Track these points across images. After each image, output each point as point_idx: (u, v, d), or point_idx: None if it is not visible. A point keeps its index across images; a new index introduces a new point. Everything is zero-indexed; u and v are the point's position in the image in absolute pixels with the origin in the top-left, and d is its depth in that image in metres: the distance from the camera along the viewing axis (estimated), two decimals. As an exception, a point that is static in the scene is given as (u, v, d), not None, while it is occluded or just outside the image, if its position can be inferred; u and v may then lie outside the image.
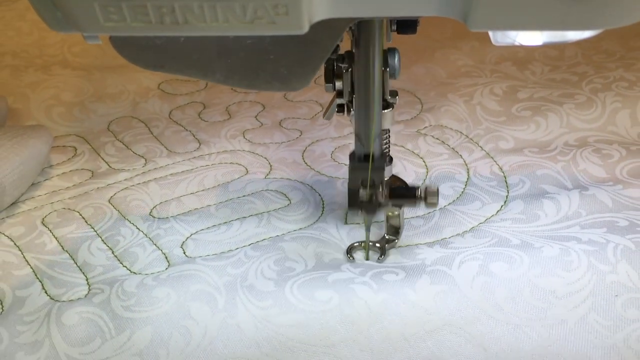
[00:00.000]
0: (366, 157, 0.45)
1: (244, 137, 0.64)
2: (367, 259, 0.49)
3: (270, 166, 0.60)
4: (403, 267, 0.47)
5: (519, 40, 0.37)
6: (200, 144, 0.63)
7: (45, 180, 0.59)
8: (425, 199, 0.46)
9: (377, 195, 0.45)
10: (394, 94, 0.45)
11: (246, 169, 0.59)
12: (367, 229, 0.49)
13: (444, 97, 0.68)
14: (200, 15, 0.30)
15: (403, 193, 0.47)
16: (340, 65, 0.43)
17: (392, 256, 0.49)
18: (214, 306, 0.45)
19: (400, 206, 0.48)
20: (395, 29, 0.42)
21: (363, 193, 0.45)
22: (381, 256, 0.49)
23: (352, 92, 0.44)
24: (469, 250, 0.48)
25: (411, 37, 0.43)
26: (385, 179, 0.47)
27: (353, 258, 0.49)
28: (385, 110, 0.44)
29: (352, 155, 0.46)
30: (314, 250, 0.49)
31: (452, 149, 0.61)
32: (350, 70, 0.43)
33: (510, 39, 0.37)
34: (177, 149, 0.63)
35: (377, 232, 0.51)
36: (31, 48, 0.77)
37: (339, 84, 0.43)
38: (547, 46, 0.75)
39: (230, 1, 0.30)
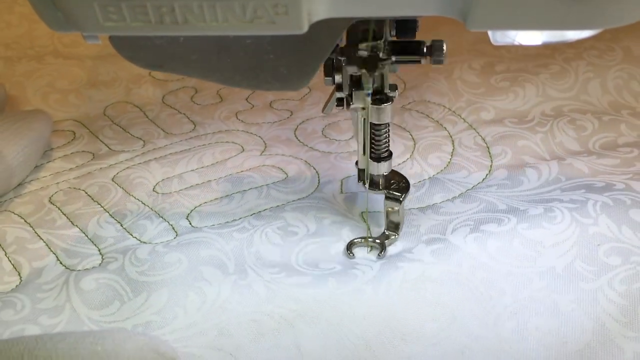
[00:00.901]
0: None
1: (237, 117, 0.67)
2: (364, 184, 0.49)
3: (265, 144, 0.62)
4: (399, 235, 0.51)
5: (519, 39, 0.37)
6: (195, 126, 0.66)
7: (48, 162, 0.61)
8: (431, 54, 0.42)
9: (377, 49, 0.41)
10: (394, 87, 0.45)
11: (242, 147, 0.62)
12: (366, 89, 0.44)
13: (425, 76, 0.71)
14: (200, 14, 0.31)
15: (407, 47, 0.42)
16: (340, 58, 0.42)
17: (387, 221, 0.52)
18: (225, 270, 0.47)
19: (398, 199, 0.48)
20: (395, 33, 0.41)
21: (363, 45, 0.41)
22: (381, 252, 0.49)
23: (351, 85, 0.43)
24: (460, 216, 0.52)
25: None
26: (385, 174, 0.48)
27: (353, 254, 0.49)
28: (385, 104, 0.44)
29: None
30: (314, 216, 0.52)
31: (437, 121, 0.64)
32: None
33: (509, 39, 0.38)
34: (174, 130, 0.65)
35: (377, 229, 0.52)
36: (22, 39, 0.79)
37: (338, 78, 0.43)
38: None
39: (229, 1, 0.30)
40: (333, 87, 0.45)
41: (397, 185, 0.49)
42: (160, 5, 0.30)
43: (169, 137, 0.64)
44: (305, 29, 0.31)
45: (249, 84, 0.40)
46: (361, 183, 0.50)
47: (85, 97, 0.70)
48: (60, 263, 0.49)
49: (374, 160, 0.48)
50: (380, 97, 0.44)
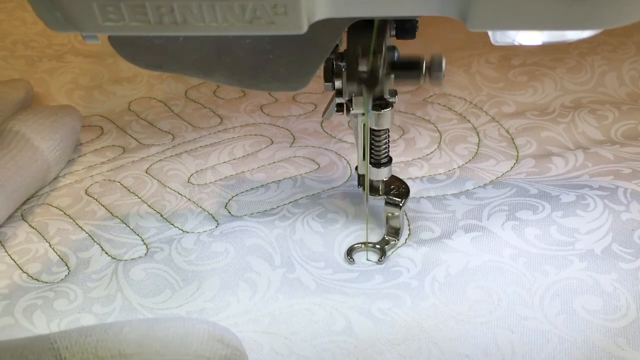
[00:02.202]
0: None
1: (262, 111, 0.67)
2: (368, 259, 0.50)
3: (293, 136, 0.63)
4: (436, 221, 0.52)
5: (519, 39, 0.38)
6: (222, 119, 0.66)
7: (79, 156, 0.61)
8: (430, 72, 0.41)
9: (377, 67, 0.39)
10: (393, 93, 0.45)
11: (271, 140, 0.63)
12: (366, 106, 0.43)
13: (443, 69, 0.72)
14: (199, 15, 0.30)
15: (406, 66, 0.41)
16: (340, 64, 0.42)
17: (424, 206, 0.53)
18: (271, 262, 0.48)
19: (398, 205, 0.48)
20: (395, 34, 0.41)
21: (363, 64, 0.38)
22: (381, 257, 0.49)
23: (351, 91, 0.43)
24: (493, 201, 0.53)
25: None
26: (385, 179, 0.48)
27: (353, 260, 0.49)
28: (385, 110, 0.44)
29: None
30: (351, 201, 0.53)
31: (460, 114, 0.65)
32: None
33: (509, 39, 0.38)
34: (201, 124, 0.66)
35: (378, 231, 0.52)
36: (39, 37, 0.79)
37: (338, 83, 0.42)
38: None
39: (229, 1, 0.30)
40: (333, 92, 0.45)
41: (397, 191, 0.49)
42: (159, 5, 0.30)
43: (198, 131, 0.64)
44: (304, 29, 0.31)
45: (249, 84, 0.40)
46: (361, 188, 0.51)
47: (110, 92, 0.71)
48: (106, 253, 0.50)
49: (373, 166, 0.48)
50: (380, 102, 0.44)
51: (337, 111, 0.46)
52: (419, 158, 0.60)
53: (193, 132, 0.64)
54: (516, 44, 0.37)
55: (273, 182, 0.57)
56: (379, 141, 0.47)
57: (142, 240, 0.51)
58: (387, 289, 0.47)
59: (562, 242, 0.49)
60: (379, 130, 0.46)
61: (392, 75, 0.41)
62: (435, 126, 0.64)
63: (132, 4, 0.30)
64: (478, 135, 0.62)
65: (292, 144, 0.62)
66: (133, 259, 0.49)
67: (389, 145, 0.47)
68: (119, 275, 0.47)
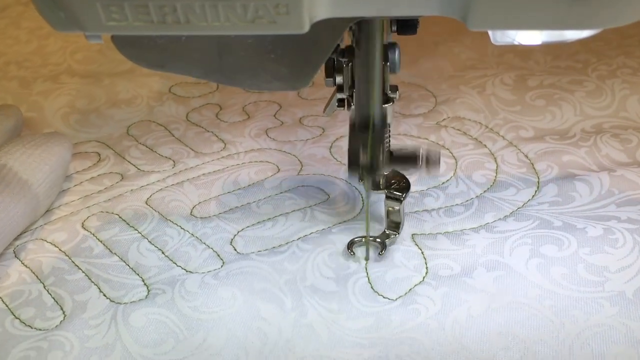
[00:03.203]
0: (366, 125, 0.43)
1: (267, 135, 0.64)
2: (367, 259, 0.49)
3: (301, 163, 0.60)
4: (455, 258, 0.49)
5: (518, 39, 0.38)
6: (225, 144, 0.63)
7: (74, 185, 0.58)
8: (428, 164, 0.45)
9: (377, 161, 0.44)
10: (394, 89, 0.45)
11: (277, 167, 0.60)
12: (367, 196, 0.48)
13: (456, 89, 0.69)
14: (202, 14, 0.31)
15: (404, 158, 0.46)
16: (341, 59, 0.42)
17: (442, 243, 0.50)
18: (282, 306, 0.45)
19: (399, 199, 0.49)
20: (396, 29, 0.42)
21: (363, 157, 0.43)
22: (382, 251, 0.49)
23: (352, 86, 0.44)
24: (515, 234, 0.50)
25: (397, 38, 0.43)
26: (387, 174, 0.48)
27: (353, 253, 0.49)
28: (386, 105, 0.44)
29: (353, 126, 0.45)
30: (361, 245, 0.50)
31: (475, 139, 0.62)
32: (350, 64, 0.43)
33: (509, 38, 0.38)
34: (203, 149, 0.62)
35: (378, 227, 0.51)
36: (33, 57, 0.76)
37: (339, 79, 0.43)
38: (545, 38, 0.78)
39: (231, 1, 0.30)
40: (334, 88, 0.45)
41: (397, 185, 0.49)
42: (162, 5, 0.30)
43: (200, 157, 0.61)
44: (306, 28, 0.31)
45: (250, 83, 0.40)
46: (362, 182, 0.50)
47: (107, 116, 0.67)
48: (105, 295, 0.47)
49: None
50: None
51: (338, 106, 0.46)
52: (435, 187, 0.57)
53: (195, 158, 0.61)
54: (516, 43, 0.37)
55: (281, 214, 0.54)
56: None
57: (143, 281, 0.48)
58: (405, 332, 0.44)
59: (590, 282, 0.46)
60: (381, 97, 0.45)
61: (391, 167, 0.46)
62: (451, 152, 0.61)
63: (135, 3, 0.30)
64: (496, 160, 0.59)
65: (299, 171, 0.59)
66: (133, 301, 0.46)
67: (390, 140, 0.47)
68: (118, 321, 0.44)
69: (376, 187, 0.49)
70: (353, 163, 0.45)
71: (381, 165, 0.45)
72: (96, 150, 0.63)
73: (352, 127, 0.45)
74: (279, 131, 0.65)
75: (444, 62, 0.74)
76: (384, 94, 0.44)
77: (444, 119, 0.65)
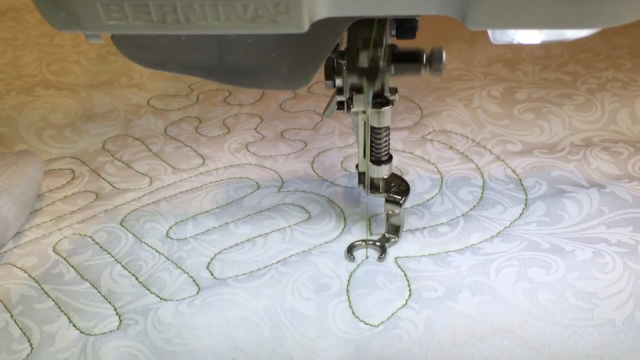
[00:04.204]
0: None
1: (247, 150, 0.62)
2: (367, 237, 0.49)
3: (282, 179, 0.58)
4: (439, 279, 0.47)
5: (518, 38, 0.37)
6: (204, 160, 0.61)
7: (47, 205, 0.56)
8: (430, 64, 0.41)
9: (378, 58, 0.40)
10: (394, 91, 0.44)
11: (257, 184, 0.58)
12: (367, 98, 0.43)
13: (442, 102, 0.67)
14: (202, 13, 0.31)
15: (406, 57, 0.41)
16: (340, 62, 0.42)
17: (425, 265, 0.48)
18: (259, 335, 0.43)
19: (398, 202, 0.48)
20: (395, 33, 0.42)
21: (363, 55, 0.39)
22: (382, 255, 0.49)
23: (351, 89, 0.43)
24: (501, 256, 0.48)
25: (396, 42, 0.42)
26: (385, 177, 0.48)
27: (353, 257, 0.49)
28: (385, 108, 0.44)
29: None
30: (345, 267, 0.48)
31: (462, 153, 0.60)
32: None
33: (509, 38, 0.37)
34: (181, 165, 0.61)
35: (378, 230, 0.51)
36: (7, 69, 0.74)
37: (338, 81, 0.43)
38: (533, 46, 0.76)
39: (231, 0, 0.30)
40: (334, 90, 0.44)
41: (397, 188, 0.49)
42: (162, 4, 0.30)
43: (177, 173, 0.59)
44: (306, 28, 0.31)
45: (250, 82, 0.40)
46: (361, 186, 0.50)
47: (82, 131, 0.65)
48: (74, 326, 0.45)
49: (374, 164, 0.48)
50: (380, 100, 0.44)
51: (337, 109, 0.46)
52: (419, 205, 0.55)
53: (172, 175, 0.59)
54: (515, 42, 0.37)
55: (260, 235, 0.52)
56: (380, 139, 0.46)
57: (115, 310, 0.46)
58: (387, 359, 0.42)
59: (579, 308, 0.44)
60: (380, 128, 0.46)
61: (393, 67, 0.41)
62: (436, 167, 0.59)
63: (135, 3, 0.30)
64: (482, 176, 0.57)
65: (280, 188, 0.57)
66: (104, 333, 0.44)
67: (389, 143, 0.47)
68: (87, 354, 0.42)
69: (376, 190, 0.49)
70: (352, 68, 0.41)
71: (384, 67, 0.41)
72: (70, 167, 0.61)
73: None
74: (260, 145, 0.63)
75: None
76: (383, 96, 0.44)
77: (430, 132, 0.63)
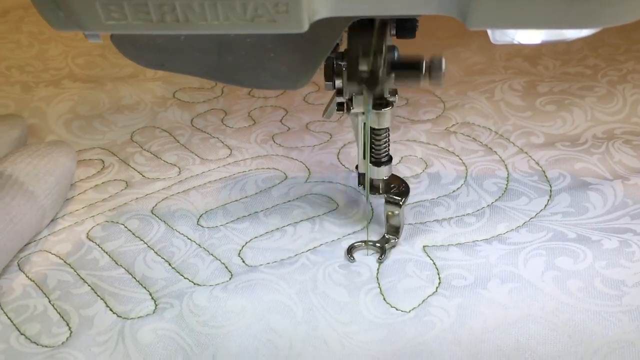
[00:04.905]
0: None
1: (274, 141, 0.63)
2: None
3: (309, 170, 0.59)
4: (468, 268, 0.48)
5: (518, 38, 0.38)
6: (231, 150, 0.62)
7: (78, 194, 0.57)
8: (430, 73, 0.41)
9: (378, 66, 0.40)
10: (394, 92, 0.44)
11: (285, 174, 0.59)
12: (367, 108, 0.43)
13: (464, 95, 0.68)
14: (201, 13, 0.31)
15: (406, 65, 0.42)
16: (340, 63, 0.42)
17: (454, 254, 0.49)
18: (293, 317, 0.44)
19: (398, 203, 0.48)
20: (395, 33, 0.41)
21: (363, 65, 0.40)
22: (381, 256, 0.49)
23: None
24: (529, 246, 0.49)
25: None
26: (385, 178, 0.48)
27: (353, 258, 0.49)
28: (385, 109, 0.44)
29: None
30: (374, 256, 0.49)
31: (486, 145, 0.61)
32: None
33: (509, 38, 0.38)
34: (209, 156, 0.61)
35: (378, 230, 0.51)
36: (35, 61, 0.75)
37: (338, 82, 0.43)
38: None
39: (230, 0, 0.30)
40: (333, 91, 0.44)
41: (396, 190, 0.49)
42: (161, 3, 0.30)
43: (205, 164, 0.60)
44: (305, 27, 0.31)
45: (250, 82, 0.40)
46: (361, 187, 0.51)
47: (111, 122, 0.66)
48: (111, 310, 0.45)
49: (374, 165, 0.48)
50: (380, 101, 0.44)
51: (337, 110, 0.46)
52: (445, 195, 0.56)
53: (201, 165, 0.60)
54: (515, 42, 0.37)
55: (289, 224, 0.53)
56: (379, 140, 0.46)
57: (150, 295, 0.47)
58: (421, 345, 0.43)
59: (608, 295, 0.45)
60: (380, 129, 0.46)
61: (393, 75, 0.41)
62: (460, 158, 0.60)
63: (134, 2, 0.30)
64: (507, 168, 0.58)
65: (307, 179, 0.58)
66: (140, 317, 0.45)
67: (389, 144, 0.47)
68: (125, 337, 0.43)
69: (375, 191, 0.49)
70: (352, 76, 0.42)
71: (383, 75, 0.41)
72: (100, 157, 0.62)
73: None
74: (286, 137, 0.64)
75: (451, 67, 0.73)
76: (384, 98, 0.44)
77: (453, 125, 0.64)
